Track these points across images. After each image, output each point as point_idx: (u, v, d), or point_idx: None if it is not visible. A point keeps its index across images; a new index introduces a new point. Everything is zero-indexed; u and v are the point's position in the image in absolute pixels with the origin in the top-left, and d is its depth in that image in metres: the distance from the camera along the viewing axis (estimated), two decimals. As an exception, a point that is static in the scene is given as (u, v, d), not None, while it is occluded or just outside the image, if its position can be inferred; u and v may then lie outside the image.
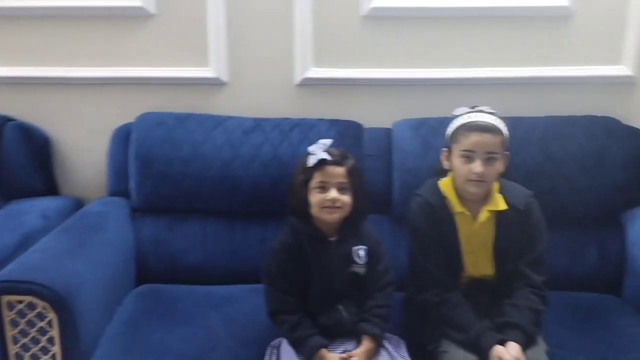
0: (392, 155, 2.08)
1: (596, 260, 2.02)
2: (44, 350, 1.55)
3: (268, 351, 1.61)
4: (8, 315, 1.53)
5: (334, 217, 1.59)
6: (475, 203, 1.67)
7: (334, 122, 2.10)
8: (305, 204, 1.60)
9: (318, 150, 1.61)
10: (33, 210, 2.07)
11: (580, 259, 2.02)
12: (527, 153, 1.99)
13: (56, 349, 1.54)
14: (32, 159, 2.19)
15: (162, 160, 2.04)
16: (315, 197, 1.59)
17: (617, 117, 2.09)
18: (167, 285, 2.01)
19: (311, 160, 1.59)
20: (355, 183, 1.63)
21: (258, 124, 2.09)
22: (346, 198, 1.61)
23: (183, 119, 2.10)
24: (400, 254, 1.80)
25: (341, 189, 1.60)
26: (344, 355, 1.51)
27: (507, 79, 2.18)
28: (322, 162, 1.59)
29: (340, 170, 1.61)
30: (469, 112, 1.65)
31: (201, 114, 2.14)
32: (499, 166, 1.63)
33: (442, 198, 1.68)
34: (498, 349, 1.48)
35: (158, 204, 2.08)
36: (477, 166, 1.58)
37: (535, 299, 1.60)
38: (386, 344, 1.60)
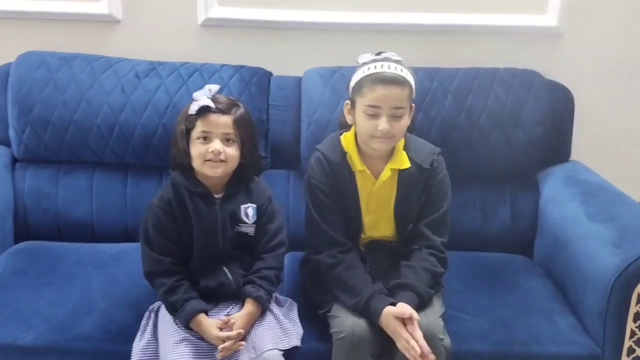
0: (300, 106, 1.93)
1: (509, 220, 1.94)
2: None
3: (146, 315, 1.48)
4: None
5: (218, 171, 1.44)
6: (378, 160, 1.55)
7: (239, 69, 1.93)
8: (187, 156, 1.44)
9: (202, 97, 1.44)
10: None
11: (493, 218, 1.94)
12: (441, 106, 1.87)
13: None
14: None
15: (43, 105, 1.84)
16: (196, 149, 1.43)
17: (539, 71, 1.98)
18: (50, 242, 1.84)
19: (193, 107, 1.43)
20: (244, 134, 1.48)
21: (153, 68, 1.90)
22: (232, 151, 1.46)
23: (69, 60, 1.89)
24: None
25: (227, 141, 1.45)
26: (223, 319, 1.39)
27: (426, 26, 2.04)
28: (205, 110, 1.43)
29: (225, 119, 1.45)
30: (373, 61, 1.50)
31: (91, 54, 1.93)
32: (406, 121, 1.50)
33: (343, 154, 1.54)
34: (388, 310, 1.39)
35: (40, 153, 1.89)
36: (382, 122, 1.44)
37: (432, 260, 1.51)
38: (274, 307, 1.48)
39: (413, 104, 1.55)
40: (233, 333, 1.36)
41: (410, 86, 1.49)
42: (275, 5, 2.02)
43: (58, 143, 1.85)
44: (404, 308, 1.37)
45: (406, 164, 1.54)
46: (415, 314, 1.36)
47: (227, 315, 1.43)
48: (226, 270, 1.48)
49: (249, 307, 1.43)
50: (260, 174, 1.57)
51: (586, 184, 1.85)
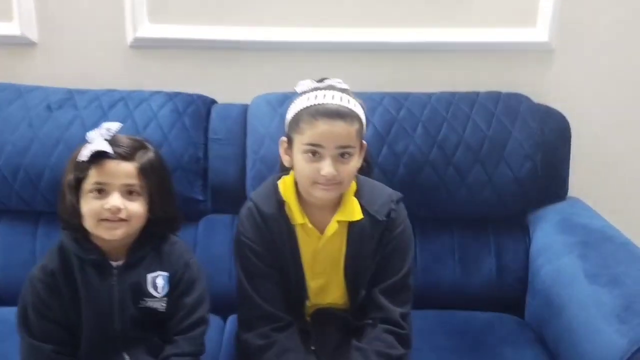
0: (245, 140, 1.63)
1: (494, 272, 1.62)
2: None
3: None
4: None
5: (116, 233, 1.14)
6: (324, 211, 1.25)
7: (173, 96, 1.64)
8: (76, 214, 1.14)
9: (97, 137, 1.15)
10: None
11: (475, 270, 1.62)
12: (409, 138, 1.57)
13: None
14: None
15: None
16: (89, 205, 1.13)
17: (527, 94, 1.68)
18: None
19: (85, 152, 1.13)
20: (153, 185, 1.18)
21: (70, 97, 1.61)
22: (136, 206, 1.15)
23: (-30, 90, 1.61)
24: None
25: (129, 194, 1.15)
26: None
27: (394, 44, 1.74)
28: (100, 155, 1.13)
29: (127, 167, 1.15)
30: (314, 89, 1.20)
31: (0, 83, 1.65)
32: (355, 163, 1.20)
33: (279, 204, 1.24)
34: None
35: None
36: (326, 166, 1.15)
37: (389, 339, 1.20)
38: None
39: (364, 142, 1.26)
40: None
41: (360, 120, 1.20)
42: (217, 22, 1.73)
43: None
44: None
45: (357, 214, 1.24)
46: None
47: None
48: (126, 357, 1.17)
49: (152, 406, 1.13)
50: (176, 232, 1.27)
51: (585, 230, 1.53)
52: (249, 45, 1.75)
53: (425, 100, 1.62)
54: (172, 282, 1.20)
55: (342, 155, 1.17)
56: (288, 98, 1.61)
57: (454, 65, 1.76)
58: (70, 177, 1.14)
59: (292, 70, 1.75)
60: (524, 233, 1.66)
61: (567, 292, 1.37)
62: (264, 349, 1.19)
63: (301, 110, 1.17)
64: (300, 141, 1.17)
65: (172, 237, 1.25)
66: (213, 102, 1.71)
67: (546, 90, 1.74)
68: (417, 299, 1.58)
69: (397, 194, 1.29)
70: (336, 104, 1.16)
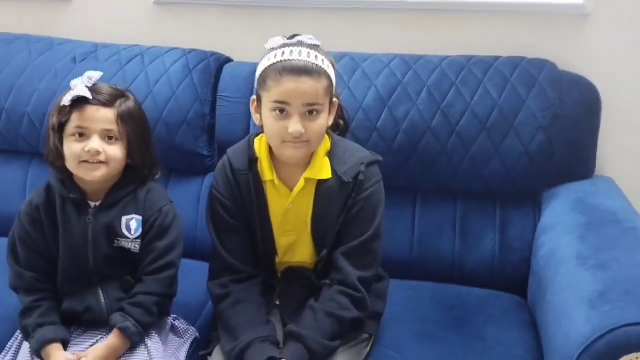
0: (252, 98, 1.65)
1: (496, 248, 1.54)
2: None
3: (15, 334, 1.29)
4: None
5: (95, 175, 1.21)
6: (294, 168, 1.24)
7: (187, 53, 1.69)
8: (59, 155, 1.22)
9: (79, 85, 1.22)
10: None
11: (475, 244, 1.55)
12: (411, 103, 1.51)
13: None
14: None
15: (-24, 91, 1.71)
16: (70, 147, 1.20)
17: (555, 61, 1.55)
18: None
19: (67, 97, 1.20)
20: (131, 131, 1.24)
21: (94, 51, 1.71)
22: (114, 150, 1.22)
23: (9, 41, 1.76)
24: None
25: (108, 138, 1.22)
26: (74, 354, 1.17)
27: (410, 2, 1.66)
28: (81, 101, 1.20)
29: (106, 112, 1.21)
30: (283, 46, 1.19)
31: (35, 35, 1.78)
32: (323, 120, 1.18)
33: (252, 160, 1.25)
34: None
35: (-20, 141, 1.77)
36: (293, 123, 1.14)
37: (342, 300, 1.19)
38: (151, 341, 1.23)
39: (335, 99, 1.23)
40: (76, 369, 1.14)
41: (328, 76, 1.17)
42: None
43: (-8, 131, 1.73)
44: None
45: (326, 173, 1.23)
46: None
47: (92, 345, 1.21)
48: (100, 292, 1.25)
49: (112, 339, 1.19)
50: (155, 179, 1.32)
51: (595, 210, 1.41)
52: (270, 3, 1.75)
53: (436, 63, 1.55)
54: (144, 225, 1.26)
55: (310, 112, 1.15)
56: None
57: (477, 28, 1.65)
58: (54, 120, 1.22)
59: (311, 29, 1.72)
60: (535, 210, 1.55)
61: (554, 273, 1.28)
62: (221, 298, 1.23)
63: (267, 67, 1.16)
64: (268, 98, 1.17)
65: (150, 184, 1.30)
66: (228, 60, 1.74)
67: (578, 58, 1.59)
68: (412, 270, 1.57)
69: (370, 157, 1.25)
70: (303, 60, 1.14)
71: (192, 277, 1.36)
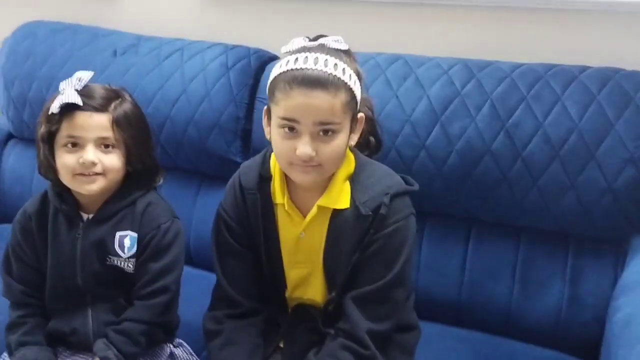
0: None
1: (564, 302, 1.26)
2: None
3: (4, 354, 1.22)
4: None
5: (93, 188, 1.09)
6: (311, 193, 1.05)
7: (229, 49, 1.54)
8: (51, 167, 1.11)
9: (68, 89, 1.10)
10: None
11: (538, 294, 1.28)
12: (470, 119, 1.26)
13: None
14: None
15: (22, 80, 1.68)
16: (62, 159, 1.08)
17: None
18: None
19: (55, 104, 1.08)
20: (129, 137, 1.11)
21: (136, 44, 1.62)
22: (111, 159, 1.09)
23: (57, 32, 1.71)
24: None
25: (105, 147, 1.10)
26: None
27: None
28: (71, 107, 1.08)
29: (100, 119, 1.08)
30: (300, 50, 0.99)
31: (82, 25, 1.72)
32: (341, 141, 0.98)
33: (265, 179, 1.08)
34: None
35: (24, 132, 1.74)
36: (302, 144, 0.95)
37: (346, 358, 0.99)
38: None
39: (361, 114, 1.03)
40: (48, 403, 1.03)
41: (350, 90, 0.97)
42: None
43: (34, 122, 1.69)
44: None
45: (343, 203, 1.03)
46: None
47: (77, 369, 1.11)
48: (90, 313, 1.14)
49: (93, 368, 1.08)
50: (156, 187, 1.19)
51: (697, 273, 1.10)
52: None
53: (507, 72, 1.29)
54: (140, 244, 1.13)
55: (325, 132, 0.96)
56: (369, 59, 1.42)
57: (569, 31, 1.37)
58: (42, 130, 1.10)
59: (366, 26, 1.54)
60: (618, 262, 1.25)
61: (628, 351, 0.99)
62: (212, 335, 1.07)
63: (277, 76, 0.98)
64: (276, 113, 0.99)
65: (153, 196, 1.17)
66: (274, 58, 1.57)
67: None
68: (460, 316, 1.35)
69: (398, 187, 1.03)
70: (317, 70, 0.94)
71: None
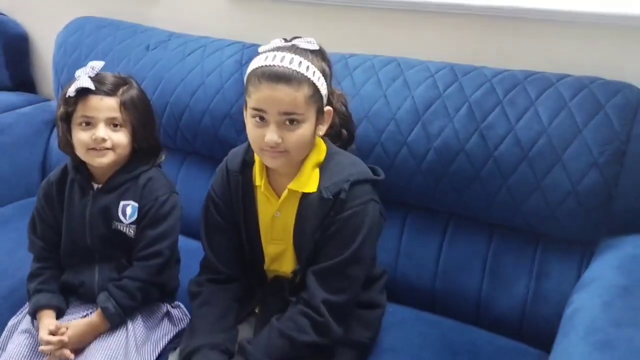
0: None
1: (529, 297, 1.34)
2: None
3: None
4: None
5: (104, 161, 1.27)
6: (284, 177, 1.19)
7: (247, 48, 1.70)
8: (69, 143, 1.30)
9: (82, 76, 1.28)
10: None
11: (504, 287, 1.36)
12: (448, 119, 1.35)
13: None
14: (6, 54, 2.23)
15: (70, 68, 1.89)
16: (78, 136, 1.27)
17: (641, 87, 1.29)
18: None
19: (72, 89, 1.27)
20: (134, 119, 1.29)
21: (167, 40, 1.80)
22: (119, 137, 1.28)
23: (102, 26, 1.91)
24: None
25: (114, 125, 1.28)
26: (55, 324, 1.25)
27: (481, 7, 1.48)
28: (85, 92, 1.26)
29: (109, 101, 1.27)
30: (273, 49, 1.12)
31: (124, 22, 1.92)
32: (306, 131, 1.11)
33: (248, 163, 1.23)
34: None
35: (69, 115, 1.97)
36: (269, 132, 1.09)
37: (302, 322, 1.12)
38: (134, 326, 1.27)
39: (329, 107, 1.15)
40: (54, 338, 1.21)
41: (313, 85, 1.09)
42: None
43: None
44: None
45: (310, 187, 1.16)
46: None
47: (84, 316, 1.29)
48: (97, 270, 1.32)
49: (94, 317, 1.26)
50: (157, 164, 1.37)
51: (646, 274, 1.15)
52: (352, 2, 1.67)
53: (488, 77, 1.37)
54: (140, 212, 1.30)
55: (291, 122, 1.09)
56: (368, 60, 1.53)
57: (560, 40, 1.43)
58: (61, 110, 1.30)
59: (372, 30, 1.65)
60: (583, 261, 1.31)
61: (560, 341, 1.07)
62: (193, 297, 1.23)
63: (251, 71, 1.12)
64: (249, 105, 1.13)
65: (155, 172, 1.34)
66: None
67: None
68: (435, 303, 1.44)
69: (360, 175, 1.15)
70: (282, 67, 1.07)
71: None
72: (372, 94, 1.44)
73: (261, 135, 1.10)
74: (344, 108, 1.24)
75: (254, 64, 1.12)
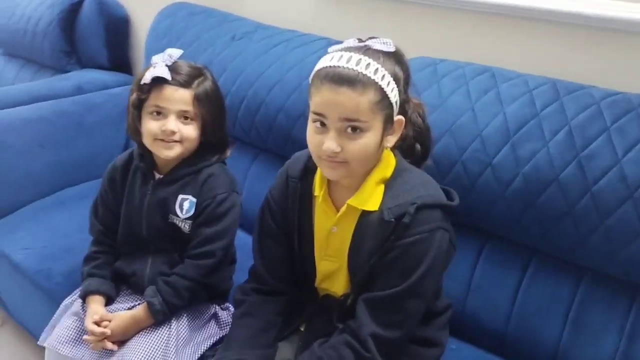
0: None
1: (617, 358, 1.15)
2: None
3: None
4: None
5: (170, 153, 1.23)
6: (346, 189, 1.09)
7: (330, 44, 1.57)
8: (137, 131, 1.27)
9: (159, 64, 1.24)
10: (75, 79, 2.17)
11: (589, 344, 1.18)
12: (542, 143, 1.19)
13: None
14: (106, 35, 2.29)
15: (159, 52, 1.88)
16: (147, 125, 1.23)
17: None
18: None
19: (147, 76, 1.23)
20: (206, 113, 1.24)
21: (254, 31, 1.75)
22: (189, 130, 1.23)
23: (194, 14, 1.90)
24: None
25: (184, 118, 1.23)
26: (100, 315, 1.22)
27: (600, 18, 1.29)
28: (160, 80, 1.22)
29: (183, 93, 1.22)
30: (340, 50, 1.02)
31: (216, 10, 1.89)
32: (369, 140, 0.99)
33: (310, 170, 1.13)
34: None
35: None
36: (328, 139, 0.99)
37: (344, 354, 1.01)
38: (178, 324, 1.23)
39: (401, 117, 1.03)
40: (97, 329, 1.19)
41: (380, 90, 0.98)
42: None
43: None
44: None
45: (371, 205, 1.05)
46: None
47: (132, 307, 1.27)
48: (149, 261, 1.29)
49: (139, 310, 1.22)
50: (222, 160, 1.31)
51: None
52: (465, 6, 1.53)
53: (596, 99, 1.19)
54: (197, 209, 1.25)
55: (353, 129, 0.98)
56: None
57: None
58: (133, 97, 1.26)
59: (471, 35, 1.50)
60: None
61: None
62: (237, 304, 1.17)
63: (315, 72, 1.02)
64: (311, 108, 1.03)
65: (217, 168, 1.28)
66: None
67: None
68: (502, 346, 1.30)
69: (430, 199, 1.01)
70: (347, 68, 0.97)
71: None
72: (459, 105, 1.30)
73: (320, 143, 1.01)
74: (420, 120, 1.11)
75: (319, 65, 1.02)
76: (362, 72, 0.97)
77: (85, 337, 1.21)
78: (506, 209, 1.24)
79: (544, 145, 1.19)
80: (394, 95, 1.00)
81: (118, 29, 2.32)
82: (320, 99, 0.99)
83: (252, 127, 1.66)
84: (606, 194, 1.12)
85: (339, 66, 0.98)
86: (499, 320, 1.28)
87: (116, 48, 2.32)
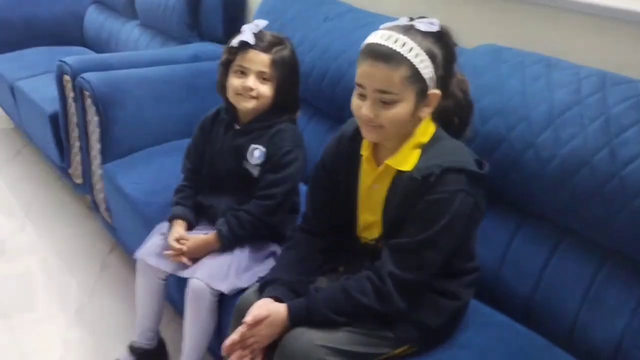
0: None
1: (630, 333, 1.21)
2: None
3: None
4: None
5: (248, 105, 1.47)
6: (387, 151, 1.25)
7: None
8: (223, 87, 1.51)
9: (247, 31, 1.47)
10: (193, 49, 2.48)
11: (603, 314, 1.25)
12: (581, 128, 1.27)
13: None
14: (224, 11, 2.58)
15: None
16: (232, 81, 1.48)
17: None
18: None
19: (236, 40, 1.47)
20: (281, 76, 1.46)
21: (346, 12, 1.94)
22: (265, 89, 1.46)
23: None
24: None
25: (263, 79, 1.46)
26: (180, 234, 1.47)
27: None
28: (245, 45, 1.46)
29: (263, 57, 1.45)
30: (385, 28, 1.17)
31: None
32: (401, 110, 1.14)
33: (359, 131, 1.29)
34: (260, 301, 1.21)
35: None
36: (365, 106, 1.16)
37: (365, 286, 1.17)
38: (241, 252, 1.45)
39: (436, 91, 1.16)
40: (177, 246, 1.45)
41: (412, 67, 1.12)
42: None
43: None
44: (260, 309, 1.18)
45: (406, 165, 1.20)
46: (250, 318, 1.17)
47: (205, 234, 1.51)
48: (224, 197, 1.53)
49: (211, 236, 1.47)
50: (293, 119, 1.52)
51: None
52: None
53: (638, 92, 1.25)
54: (266, 157, 1.47)
55: (382, 99, 1.14)
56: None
57: None
58: (224, 57, 1.51)
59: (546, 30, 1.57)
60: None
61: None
62: (287, 239, 1.36)
63: (362, 47, 1.18)
64: (355, 79, 1.19)
65: (287, 126, 1.50)
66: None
67: None
68: (524, 313, 1.39)
69: (456, 163, 1.14)
70: (384, 45, 1.12)
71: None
72: (512, 89, 1.41)
73: (359, 108, 1.17)
74: (462, 94, 1.24)
75: (366, 41, 1.18)
76: (397, 50, 1.12)
77: (165, 252, 1.47)
78: (542, 186, 1.33)
79: (582, 129, 1.27)
80: (428, 72, 1.13)
81: (235, 7, 2.60)
82: (361, 71, 1.16)
83: (333, 99, 1.85)
84: (632, 179, 1.19)
85: (379, 43, 1.14)
86: (528, 287, 1.38)
87: (231, 24, 2.60)
